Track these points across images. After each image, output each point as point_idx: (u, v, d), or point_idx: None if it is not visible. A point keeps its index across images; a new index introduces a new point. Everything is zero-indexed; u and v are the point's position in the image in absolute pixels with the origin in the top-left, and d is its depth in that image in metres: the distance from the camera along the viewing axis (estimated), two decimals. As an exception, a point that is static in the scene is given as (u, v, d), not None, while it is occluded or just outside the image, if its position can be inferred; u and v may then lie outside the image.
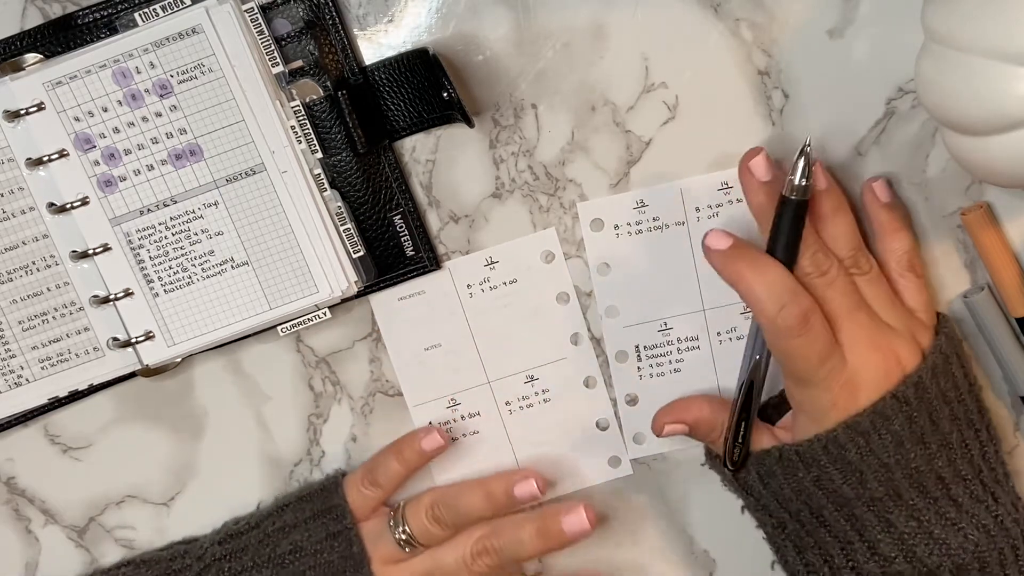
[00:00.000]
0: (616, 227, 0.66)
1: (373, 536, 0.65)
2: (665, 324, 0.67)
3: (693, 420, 0.65)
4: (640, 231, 0.66)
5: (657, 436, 0.66)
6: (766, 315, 0.58)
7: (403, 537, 0.65)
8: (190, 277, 0.64)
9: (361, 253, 0.65)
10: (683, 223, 0.66)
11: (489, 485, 0.65)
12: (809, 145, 0.59)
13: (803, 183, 0.59)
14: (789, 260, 0.60)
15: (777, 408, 0.65)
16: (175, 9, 0.62)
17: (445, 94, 0.62)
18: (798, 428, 0.62)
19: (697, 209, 0.66)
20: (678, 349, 0.67)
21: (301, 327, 0.65)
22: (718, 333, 0.67)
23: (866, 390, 0.59)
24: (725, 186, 0.65)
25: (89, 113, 0.62)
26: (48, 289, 0.64)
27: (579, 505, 0.64)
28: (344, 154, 0.64)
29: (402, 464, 0.65)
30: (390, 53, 0.64)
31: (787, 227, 0.59)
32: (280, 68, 0.63)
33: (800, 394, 0.61)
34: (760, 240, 0.61)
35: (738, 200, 0.65)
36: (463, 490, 0.66)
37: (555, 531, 0.64)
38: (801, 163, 0.59)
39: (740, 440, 0.63)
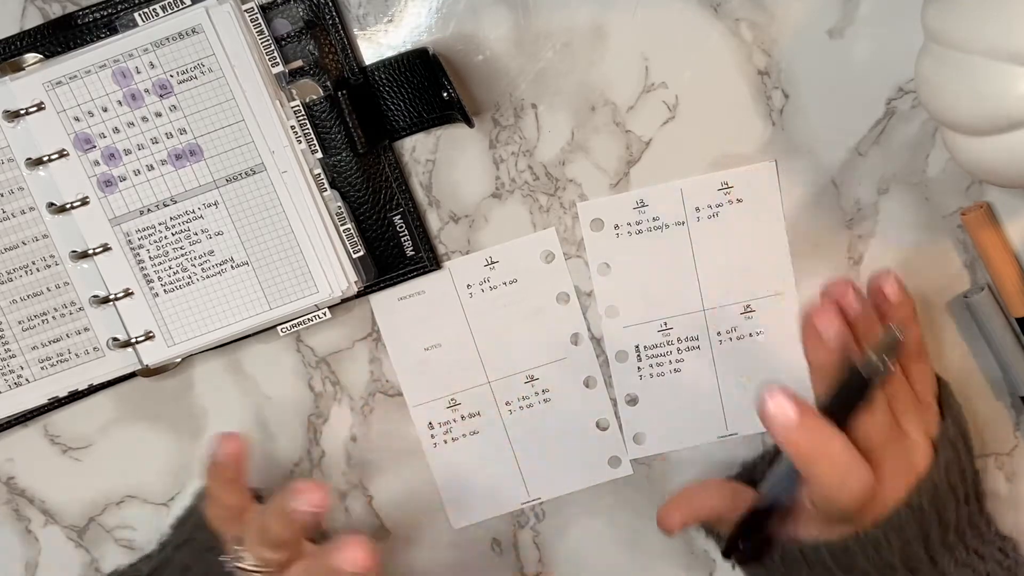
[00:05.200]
0: (616, 227, 0.66)
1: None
2: (665, 324, 0.67)
3: (707, 512, 0.63)
4: (640, 231, 0.66)
5: (668, 534, 0.63)
6: (823, 492, 0.56)
7: (246, 568, 0.57)
8: (190, 277, 0.64)
9: (361, 253, 0.65)
10: (683, 223, 0.66)
11: (282, 504, 0.55)
12: (898, 329, 0.56)
13: (881, 364, 0.55)
14: (843, 419, 0.56)
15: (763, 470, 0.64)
16: (175, 9, 0.62)
17: (445, 94, 0.62)
18: (802, 520, 0.59)
19: (697, 209, 0.66)
20: (678, 349, 0.67)
21: (301, 327, 0.65)
22: (718, 333, 0.67)
23: (883, 509, 0.58)
24: (725, 186, 0.65)
25: (89, 113, 0.62)
26: (48, 289, 0.64)
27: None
28: (344, 154, 0.64)
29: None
30: (390, 53, 0.64)
31: (851, 397, 0.56)
32: (280, 68, 0.63)
33: (822, 516, 0.58)
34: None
35: (738, 200, 0.65)
36: (270, 511, 0.56)
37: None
38: (886, 342, 0.56)
39: (747, 535, 0.61)
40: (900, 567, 0.59)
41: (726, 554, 0.62)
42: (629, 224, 0.66)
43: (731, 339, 0.67)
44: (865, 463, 0.56)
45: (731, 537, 0.62)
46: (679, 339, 0.67)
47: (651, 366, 0.67)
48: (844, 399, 0.56)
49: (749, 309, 0.66)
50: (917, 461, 0.59)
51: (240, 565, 0.57)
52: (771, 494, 0.60)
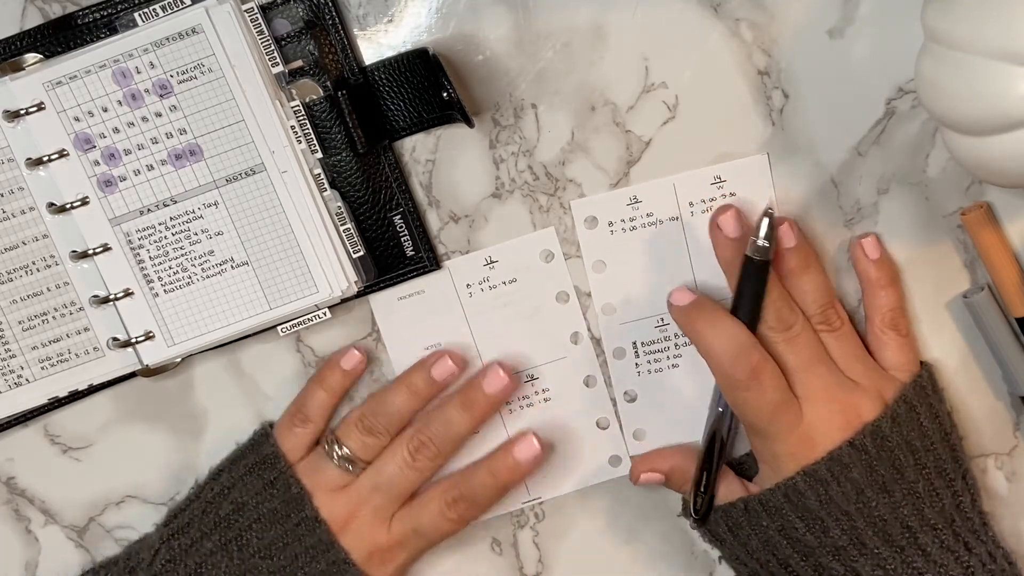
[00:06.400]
0: (610, 224, 0.66)
1: (312, 470, 0.65)
2: (662, 320, 0.67)
3: (668, 469, 0.66)
4: (634, 227, 0.66)
5: (634, 483, 0.67)
6: (719, 368, 0.61)
7: (342, 458, 0.64)
8: (190, 277, 0.64)
9: (361, 253, 0.65)
10: (677, 218, 0.66)
11: (409, 378, 0.65)
12: (771, 208, 0.61)
13: (765, 244, 0.61)
14: (752, 318, 0.61)
15: (754, 463, 0.65)
16: (175, 9, 0.62)
17: (445, 94, 0.62)
18: (762, 479, 0.64)
19: (691, 204, 0.66)
20: (675, 344, 0.67)
21: (301, 327, 0.65)
22: (717, 330, 0.67)
23: (823, 441, 0.61)
24: (718, 180, 0.65)
25: (89, 113, 0.62)
26: (48, 289, 0.64)
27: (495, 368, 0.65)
28: (344, 154, 0.64)
29: (327, 391, 0.65)
30: (390, 53, 0.64)
31: (749, 286, 0.61)
32: (280, 68, 0.63)
33: (759, 445, 0.63)
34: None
35: (731, 194, 0.65)
36: (386, 393, 0.65)
37: (477, 396, 0.64)
38: (764, 224, 0.60)
39: (703, 490, 0.64)
40: (859, 517, 0.60)
41: (690, 513, 0.65)
42: (623, 221, 0.66)
43: (729, 335, 0.67)
44: (761, 350, 0.60)
45: (691, 489, 0.64)
46: (676, 334, 0.67)
47: (649, 362, 0.67)
48: (747, 292, 0.61)
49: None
50: (860, 406, 0.61)
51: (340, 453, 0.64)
52: (710, 428, 0.64)
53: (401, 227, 0.65)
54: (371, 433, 0.64)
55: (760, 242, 0.61)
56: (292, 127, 0.63)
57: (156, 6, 0.62)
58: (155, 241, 0.63)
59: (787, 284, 0.63)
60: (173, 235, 0.63)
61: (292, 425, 0.65)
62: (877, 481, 0.60)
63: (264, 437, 0.66)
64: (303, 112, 0.63)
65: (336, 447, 0.64)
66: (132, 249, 0.63)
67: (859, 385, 0.62)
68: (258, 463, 0.65)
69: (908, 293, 0.66)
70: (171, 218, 0.63)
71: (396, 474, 0.64)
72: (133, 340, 0.64)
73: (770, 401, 0.60)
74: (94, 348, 0.65)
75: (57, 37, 0.62)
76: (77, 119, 0.62)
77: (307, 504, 0.64)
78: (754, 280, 0.61)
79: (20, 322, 0.64)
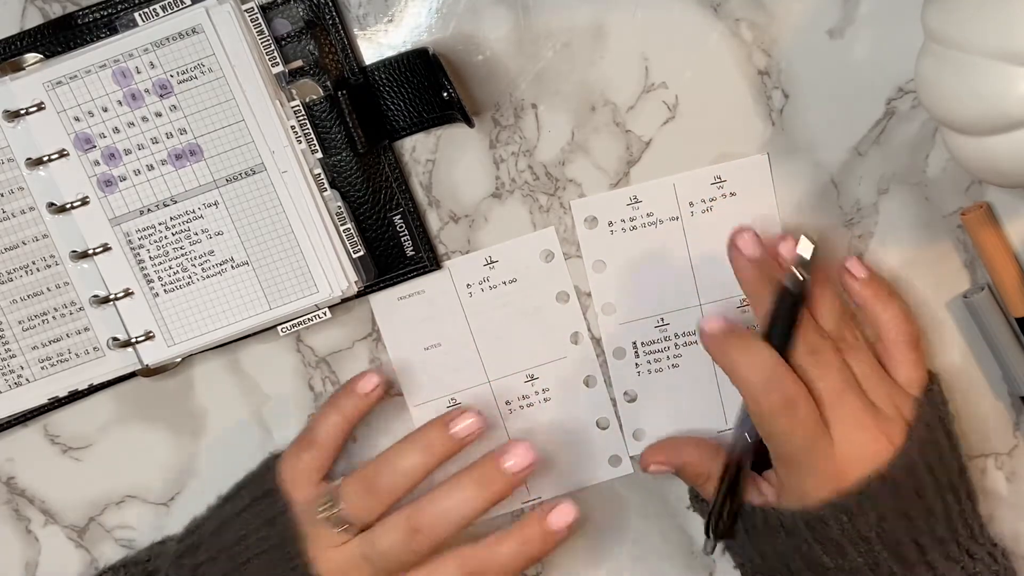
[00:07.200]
0: (610, 224, 0.66)
1: (311, 515, 0.61)
2: (662, 320, 0.67)
3: (682, 463, 0.65)
4: (634, 227, 0.66)
5: (644, 471, 0.66)
6: (752, 397, 0.59)
7: (337, 518, 0.60)
8: (190, 277, 0.64)
9: (361, 253, 0.65)
10: (677, 218, 0.66)
11: (424, 435, 0.61)
12: (810, 238, 0.60)
13: (805, 277, 0.60)
14: (783, 345, 0.60)
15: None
16: (175, 9, 0.62)
17: (445, 94, 0.62)
18: (784, 493, 0.61)
19: (691, 204, 0.66)
20: (675, 344, 0.67)
21: (301, 327, 0.65)
22: (716, 329, 0.67)
23: (853, 472, 0.59)
24: (718, 180, 0.65)
25: (89, 113, 0.62)
26: (48, 289, 0.64)
27: (521, 445, 0.60)
28: (344, 154, 0.64)
29: (339, 413, 0.62)
30: (390, 53, 0.64)
31: (785, 316, 0.60)
32: (280, 68, 0.63)
33: (786, 474, 0.61)
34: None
35: (731, 194, 0.65)
36: (397, 450, 0.61)
37: (495, 475, 0.59)
38: (804, 254, 0.60)
39: (723, 515, 0.63)
40: (877, 543, 0.59)
41: (706, 532, 0.64)
42: (623, 221, 0.66)
43: (729, 334, 0.67)
44: (796, 379, 0.58)
45: (709, 514, 0.63)
46: (676, 334, 0.67)
47: (649, 362, 0.67)
48: (781, 321, 0.60)
49: (745, 304, 0.66)
50: (889, 433, 0.60)
51: (328, 515, 0.60)
52: (735, 444, 0.62)
53: (401, 227, 0.65)
54: (372, 493, 0.60)
55: (801, 276, 0.60)
56: (292, 127, 0.63)
57: (156, 6, 0.62)
58: (155, 241, 0.63)
59: (866, 313, 0.62)
60: (173, 235, 0.63)
61: (299, 450, 0.63)
62: (899, 507, 0.59)
63: (267, 469, 0.64)
64: (303, 112, 0.63)
65: (331, 504, 0.60)
66: (132, 249, 0.64)
67: (882, 411, 0.61)
68: (260, 497, 0.63)
69: (908, 293, 0.66)
70: (171, 218, 0.63)
71: (388, 551, 0.59)
72: (133, 340, 0.64)
73: (804, 432, 0.58)
74: (94, 348, 0.65)
75: (57, 37, 0.62)
76: (77, 119, 0.62)
77: (302, 554, 0.60)
78: (788, 311, 0.60)
79: (20, 322, 0.64)
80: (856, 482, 0.59)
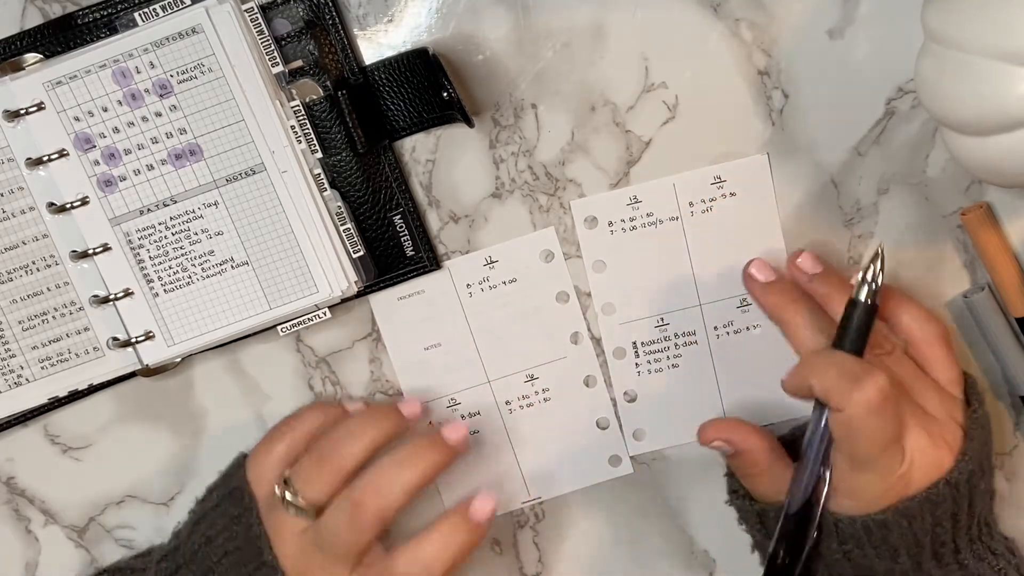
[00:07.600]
0: (610, 224, 0.66)
1: (273, 509, 0.60)
2: (662, 320, 0.67)
3: (747, 449, 0.61)
4: (634, 227, 0.66)
5: (701, 444, 0.62)
6: (842, 395, 0.56)
7: (291, 504, 0.59)
8: (190, 277, 0.64)
9: (361, 253, 0.65)
10: (677, 218, 0.66)
11: (373, 410, 0.61)
12: (882, 248, 0.58)
13: (875, 286, 0.58)
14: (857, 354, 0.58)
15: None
16: (175, 9, 0.62)
17: (445, 94, 0.62)
18: (840, 495, 0.59)
19: (691, 204, 0.66)
20: (675, 344, 0.67)
21: (301, 327, 0.65)
22: (715, 327, 0.67)
23: (921, 479, 0.58)
24: (718, 180, 0.65)
25: (89, 113, 0.62)
26: (48, 289, 0.64)
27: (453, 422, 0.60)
28: (344, 154, 0.64)
29: (320, 412, 0.62)
30: (390, 53, 0.64)
31: (859, 329, 0.58)
32: (280, 68, 0.63)
33: (854, 477, 0.58)
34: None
35: (731, 194, 0.65)
36: (346, 423, 0.60)
37: (433, 441, 0.59)
38: (875, 263, 0.58)
39: (787, 562, 0.60)
40: (928, 546, 0.59)
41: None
42: (623, 221, 0.66)
43: (728, 333, 0.67)
44: (886, 369, 0.57)
45: (771, 559, 0.61)
46: (676, 334, 0.67)
47: (649, 362, 0.67)
48: (855, 334, 0.58)
49: (745, 303, 0.66)
50: (948, 439, 0.59)
51: (292, 502, 0.59)
52: (807, 459, 0.60)
53: (401, 227, 0.65)
54: (322, 466, 0.59)
55: (874, 285, 0.58)
56: (292, 127, 0.63)
57: (156, 6, 0.62)
58: (155, 241, 0.63)
59: (829, 310, 0.61)
60: (173, 235, 0.63)
61: (270, 442, 0.62)
62: (952, 510, 0.59)
63: (236, 467, 0.63)
64: (303, 112, 0.63)
65: (286, 489, 0.59)
66: (132, 249, 0.64)
67: (937, 417, 0.60)
68: (225, 496, 0.62)
69: (908, 294, 0.66)
70: (171, 218, 0.63)
71: (334, 531, 0.58)
72: (133, 340, 0.64)
73: (890, 434, 0.57)
74: (94, 348, 0.65)
75: (57, 37, 0.62)
76: (77, 119, 0.62)
77: (266, 549, 0.59)
78: (863, 323, 0.58)
79: (20, 322, 0.64)
80: (922, 488, 0.58)
